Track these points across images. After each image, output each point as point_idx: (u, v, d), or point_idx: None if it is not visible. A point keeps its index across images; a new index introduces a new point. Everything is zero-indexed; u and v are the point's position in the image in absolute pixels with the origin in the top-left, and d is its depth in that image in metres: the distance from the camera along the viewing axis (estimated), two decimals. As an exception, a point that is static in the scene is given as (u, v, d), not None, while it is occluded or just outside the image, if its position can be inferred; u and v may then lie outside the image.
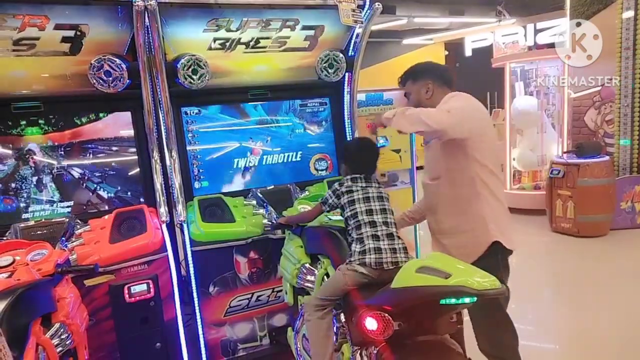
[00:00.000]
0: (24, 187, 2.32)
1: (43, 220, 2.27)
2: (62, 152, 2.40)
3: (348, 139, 2.98)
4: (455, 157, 1.84)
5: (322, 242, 2.13)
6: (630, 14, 4.76)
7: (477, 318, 1.93)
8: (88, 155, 2.45)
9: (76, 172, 2.43)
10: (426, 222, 2.12)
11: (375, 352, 1.57)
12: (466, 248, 1.85)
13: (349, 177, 2.03)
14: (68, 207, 2.39)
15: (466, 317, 1.97)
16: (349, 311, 1.78)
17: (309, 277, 2.09)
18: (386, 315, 1.48)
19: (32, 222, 2.24)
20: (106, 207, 2.44)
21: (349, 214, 1.94)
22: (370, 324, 1.50)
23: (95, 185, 2.46)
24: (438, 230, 2.00)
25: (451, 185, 1.88)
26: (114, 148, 2.50)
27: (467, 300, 1.31)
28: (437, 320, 1.51)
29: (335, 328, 1.89)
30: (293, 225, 2.29)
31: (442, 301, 1.33)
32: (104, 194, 2.47)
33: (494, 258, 1.82)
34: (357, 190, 1.97)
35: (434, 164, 1.97)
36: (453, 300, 1.31)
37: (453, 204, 1.90)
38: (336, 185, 2.04)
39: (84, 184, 2.44)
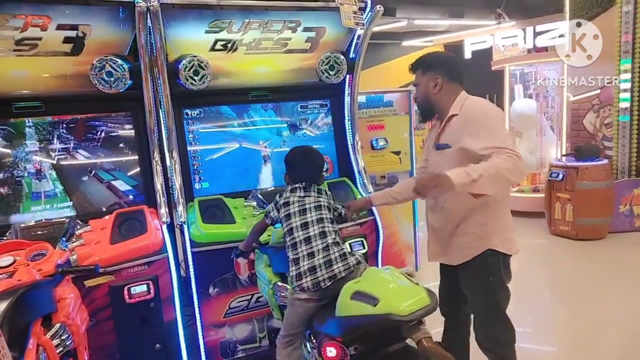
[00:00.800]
0: (23, 188, 2.32)
1: (43, 220, 2.27)
2: (63, 153, 2.40)
3: (348, 140, 2.98)
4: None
5: (284, 259, 2.05)
6: (629, 7, 4.76)
7: (475, 312, 1.95)
8: (88, 156, 2.45)
9: (76, 173, 2.42)
10: (425, 217, 2.11)
11: None
12: (462, 249, 1.88)
13: (289, 187, 1.97)
14: (68, 207, 2.38)
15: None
16: (314, 336, 1.81)
17: (284, 294, 2.03)
18: (339, 344, 1.53)
19: (32, 223, 2.24)
20: (106, 208, 2.44)
21: (286, 229, 1.89)
22: (330, 352, 1.55)
23: (96, 186, 2.45)
24: (438, 229, 2.00)
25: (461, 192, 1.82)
26: (115, 149, 2.50)
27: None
28: (395, 331, 1.52)
29: (309, 353, 1.88)
30: (254, 247, 2.20)
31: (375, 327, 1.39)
32: (105, 194, 2.47)
33: (485, 262, 1.83)
34: (294, 203, 1.90)
35: (445, 168, 1.84)
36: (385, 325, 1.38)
37: (459, 209, 1.87)
38: (277, 197, 1.99)
39: (84, 184, 2.44)
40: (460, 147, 1.78)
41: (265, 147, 2.86)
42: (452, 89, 1.90)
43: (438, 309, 1.46)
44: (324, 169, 2.14)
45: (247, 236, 2.17)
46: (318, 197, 1.94)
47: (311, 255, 1.79)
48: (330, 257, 1.79)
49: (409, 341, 1.60)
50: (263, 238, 2.20)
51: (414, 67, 1.98)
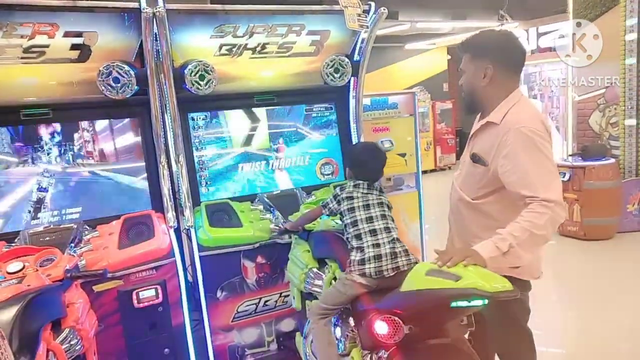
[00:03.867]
0: (32, 193, 2.33)
1: (51, 226, 2.28)
2: (70, 158, 2.41)
3: (354, 142, 2.98)
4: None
5: (329, 246, 2.13)
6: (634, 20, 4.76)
7: (493, 327, 1.80)
8: (96, 161, 2.46)
9: (84, 178, 2.44)
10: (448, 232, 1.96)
11: (385, 356, 1.55)
12: None
13: (351, 182, 2.00)
14: (76, 213, 2.39)
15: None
16: (358, 315, 1.77)
17: (316, 282, 2.08)
18: (396, 318, 1.47)
19: (40, 228, 2.25)
20: (114, 213, 2.45)
21: (348, 221, 1.91)
22: (380, 327, 1.49)
23: (103, 191, 2.47)
24: (458, 234, 1.87)
25: (498, 208, 1.66)
26: (121, 154, 2.51)
27: (478, 302, 1.30)
28: (448, 324, 1.50)
29: (344, 332, 1.88)
30: (299, 230, 2.28)
31: (453, 304, 1.32)
32: (112, 199, 2.48)
33: None
34: (358, 197, 1.94)
35: (478, 187, 1.71)
36: (464, 303, 1.30)
37: (471, 225, 1.73)
38: (337, 190, 2.02)
39: (92, 190, 2.45)
40: (495, 172, 1.60)
41: (271, 150, 2.87)
42: (504, 82, 1.63)
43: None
44: None
45: (298, 219, 2.27)
46: (380, 194, 1.98)
47: (377, 245, 1.81)
48: (396, 250, 1.80)
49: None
50: (309, 225, 2.27)
51: (463, 49, 1.71)
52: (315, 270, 2.11)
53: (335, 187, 2.83)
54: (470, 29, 8.50)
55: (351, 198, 1.95)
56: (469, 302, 1.30)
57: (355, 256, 1.82)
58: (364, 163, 2.02)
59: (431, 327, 1.50)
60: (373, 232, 1.84)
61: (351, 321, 1.85)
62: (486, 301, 1.29)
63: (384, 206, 1.95)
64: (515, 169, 1.53)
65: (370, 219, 1.88)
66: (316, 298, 2.09)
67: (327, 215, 2.10)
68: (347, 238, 1.91)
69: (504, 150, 1.56)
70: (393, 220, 1.94)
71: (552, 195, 1.46)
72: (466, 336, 1.58)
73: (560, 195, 1.49)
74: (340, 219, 2.01)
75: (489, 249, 1.43)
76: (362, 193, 1.95)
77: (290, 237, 2.39)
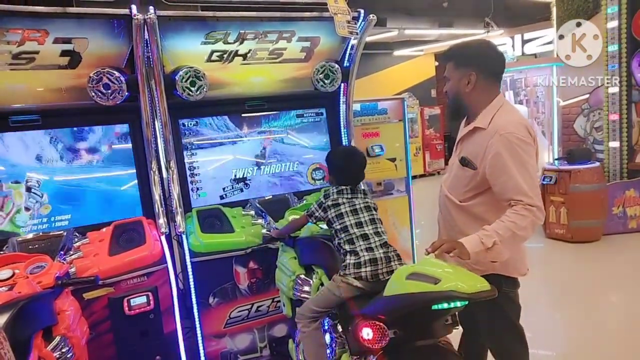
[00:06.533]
0: (20, 200, 2.30)
1: (41, 233, 2.26)
2: (60, 165, 2.39)
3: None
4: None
5: (315, 252, 2.13)
6: (614, 24, 4.88)
7: (485, 326, 1.84)
8: (86, 167, 2.45)
9: (74, 185, 2.42)
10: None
11: None
12: (465, 264, 1.74)
13: (334, 189, 2.00)
14: (66, 220, 2.37)
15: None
16: (346, 321, 1.79)
17: (305, 288, 2.07)
18: (381, 324, 1.50)
19: (29, 236, 2.23)
20: (104, 220, 2.43)
21: (338, 227, 1.91)
22: (366, 333, 1.52)
23: (93, 197, 2.45)
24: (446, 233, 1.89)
25: (484, 209, 1.71)
26: (112, 160, 2.50)
27: (458, 304, 1.34)
28: (432, 325, 1.52)
29: (333, 338, 1.89)
30: (285, 237, 2.27)
31: (434, 306, 1.35)
32: (102, 206, 2.46)
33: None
34: (344, 203, 1.94)
35: (466, 189, 1.75)
36: (445, 305, 1.34)
37: (458, 222, 1.77)
38: (322, 197, 2.02)
39: (82, 196, 2.43)
40: (484, 174, 1.65)
41: (262, 156, 2.87)
42: (486, 87, 1.70)
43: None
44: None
45: (284, 227, 2.25)
46: (365, 198, 1.99)
47: (370, 249, 1.82)
48: (389, 254, 1.83)
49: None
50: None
51: (446, 58, 1.77)
52: (302, 277, 2.10)
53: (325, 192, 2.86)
54: (457, 36, 8.66)
55: (337, 205, 1.95)
56: (449, 304, 1.34)
57: (350, 259, 1.83)
58: (342, 167, 2.03)
59: (415, 330, 1.52)
60: (365, 237, 1.86)
61: (339, 327, 1.86)
62: (466, 302, 1.32)
63: (372, 210, 1.96)
64: (500, 172, 1.60)
65: (360, 224, 1.89)
66: None
67: (313, 222, 2.10)
68: (339, 243, 1.92)
69: (491, 154, 1.62)
70: (382, 224, 1.96)
71: (536, 201, 1.56)
72: (459, 335, 1.60)
73: (540, 199, 1.59)
74: (328, 226, 2.00)
75: (475, 244, 1.52)
76: (347, 198, 1.96)
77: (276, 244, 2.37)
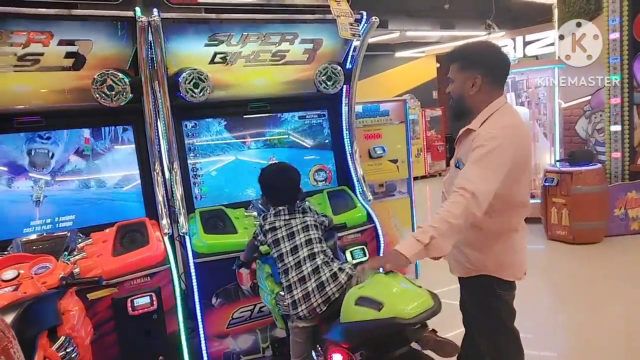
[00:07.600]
0: (25, 201, 2.32)
1: (44, 234, 2.27)
2: (64, 166, 2.41)
3: (347, 149, 3.01)
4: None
5: None
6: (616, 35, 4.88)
7: (479, 329, 1.84)
8: (89, 168, 2.46)
9: (78, 186, 2.43)
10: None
11: None
12: (459, 263, 1.79)
13: (272, 210, 1.91)
14: (70, 220, 2.38)
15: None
16: (320, 343, 1.83)
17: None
18: (345, 350, 1.54)
19: (34, 236, 2.24)
20: (108, 221, 2.44)
21: (275, 255, 1.87)
22: (337, 358, 1.56)
23: (97, 198, 2.46)
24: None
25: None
26: (115, 161, 2.51)
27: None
28: (400, 336, 1.49)
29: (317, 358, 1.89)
30: (252, 260, 2.20)
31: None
32: (106, 207, 2.47)
33: (479, 286, 1.74)
34: (280, 227, 1.85)
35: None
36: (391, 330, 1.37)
37: (474, 225, 1.70)
38: (261, 220, 1.94)
39: (86, 197, 2.44)
40: None
41: (265, 157, 2.88)
42: (490, 90, 1.67)
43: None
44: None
45: (244, 253, 2.16)
46: (304, 217, 1.89)
47: (302, 280, 1.78)
48: (322, 279, 1.77)
49: (413, 345, 1.60)
50: (264, 248, 2.18)
51: (451, 59, 1.72)
52: (281, 294, 2.02)
53: (329, 194, 2.88)
54: (458, 37, 8.67)
55: (274, 229, 1.86)
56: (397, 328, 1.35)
57: (288, 298, 1.80)
58: (273, 186, 1.94)
59: (381, 346, 1.54)
60: (297, 265, 1.80)
61: (319, 349, 1.87)
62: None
63: (310, 229, 1.86)
64: (467, 165, 1.58)
65: (294, 249, 1.82)
66: None
67: (260, 245, 2.01)
68: (279, 273, 1.87)
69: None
70: (320, 241, 1.86)
71: (469, 185, 1.48)
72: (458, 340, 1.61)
73: (480, 191, 1.48)
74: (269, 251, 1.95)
75: (411, 246, 1.47)
76: (285, 220, 1.86)
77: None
